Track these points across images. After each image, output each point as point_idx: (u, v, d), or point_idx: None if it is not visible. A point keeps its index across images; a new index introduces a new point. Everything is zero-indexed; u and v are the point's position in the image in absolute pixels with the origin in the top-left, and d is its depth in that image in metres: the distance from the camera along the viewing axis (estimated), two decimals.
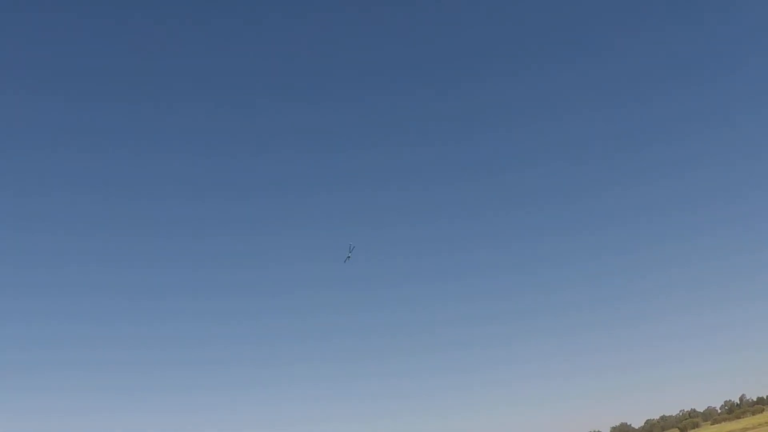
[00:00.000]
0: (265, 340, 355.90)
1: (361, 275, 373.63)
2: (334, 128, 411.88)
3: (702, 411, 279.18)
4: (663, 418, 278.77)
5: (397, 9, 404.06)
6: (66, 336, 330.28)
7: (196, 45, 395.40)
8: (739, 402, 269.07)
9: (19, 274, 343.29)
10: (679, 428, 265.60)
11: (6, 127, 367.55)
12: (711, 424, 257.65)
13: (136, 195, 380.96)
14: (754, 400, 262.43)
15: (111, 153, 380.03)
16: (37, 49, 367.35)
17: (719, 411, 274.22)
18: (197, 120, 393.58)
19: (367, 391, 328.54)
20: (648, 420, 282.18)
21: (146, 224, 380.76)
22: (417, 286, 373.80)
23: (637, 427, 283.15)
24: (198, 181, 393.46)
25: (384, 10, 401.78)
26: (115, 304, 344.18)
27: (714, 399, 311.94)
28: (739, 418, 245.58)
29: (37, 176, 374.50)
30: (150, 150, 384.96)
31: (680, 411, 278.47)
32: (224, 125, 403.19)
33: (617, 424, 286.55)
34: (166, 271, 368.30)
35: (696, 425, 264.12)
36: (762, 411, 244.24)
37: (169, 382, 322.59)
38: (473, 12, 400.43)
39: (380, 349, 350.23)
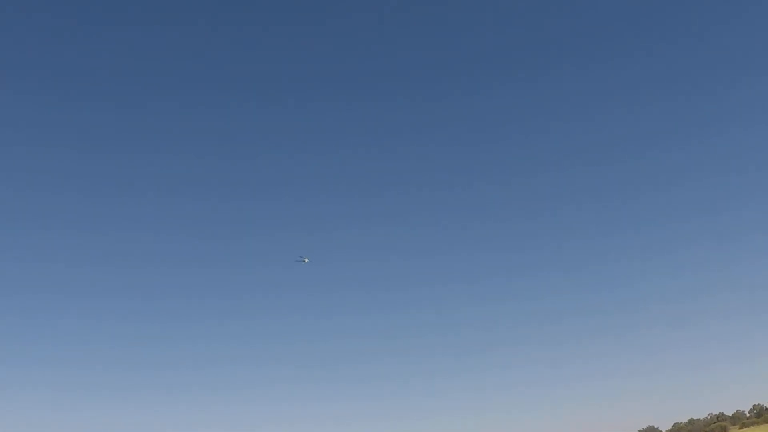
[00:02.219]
0: (266, 340, 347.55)
1: (363, 276, 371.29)
2: (343, 130, 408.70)
3: (730, 415, 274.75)
4: (691, 421, 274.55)
5: (403, 12, 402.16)
6: (67, 334, 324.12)
7: (197, 45, 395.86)
8: None
9: (20, 272, 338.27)
10: None
11: (7, 125, 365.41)
12: (739, 428, 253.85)
13: (136, 194, 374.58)
14: None
15: (112, 152, 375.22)
16: (39, 49, 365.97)
17: (748, 415, 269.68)
18: (199, 120, 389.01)
19: (383, 394, 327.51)
20: (675, 423, 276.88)
21: (145, 223, 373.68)
22: (435, 288, 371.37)
23: (664, 431, 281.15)
24: (199, 181, 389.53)
25: (391, 13, 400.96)
26: (114, 302, 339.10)
27: (743, 402, 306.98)
28: None
29: (37, 175, 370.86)
30: (151, 149, 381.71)
31: (708, 414, 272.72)
32: (228, 125, 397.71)
33: (645, 427, 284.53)
34: (166, 271, 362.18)
35: (724, 429, 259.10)
36: None
37: (169, 382, 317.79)
38: (483, 15, 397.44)
39: (397, 351, 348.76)
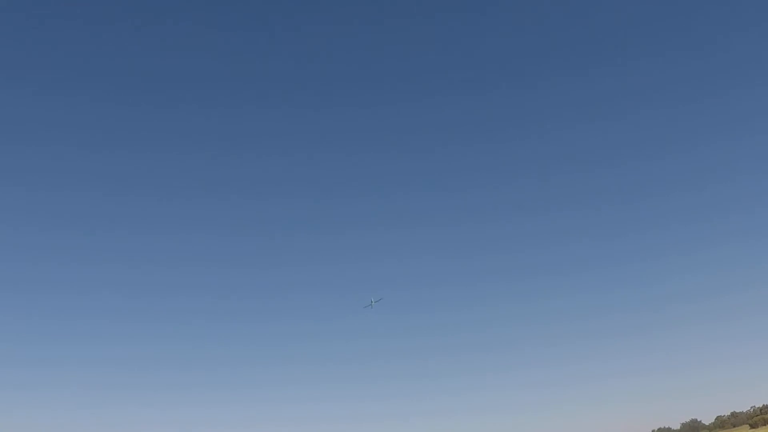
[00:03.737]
0: (269, 340, 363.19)
1: (367, 278, 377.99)
2: (345, 131, 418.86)
3: None
4: (733, 414, 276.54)
5: (409, 14, 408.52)
6: (68, 333, 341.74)
7: (201, 46, 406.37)
8: None
9: (23, 271, 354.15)
10: (749, 425, 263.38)
11: (8, 124, 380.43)
12: None
13: (139, 193, 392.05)
14: None
15: (119, 151, 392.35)
16: (43, 49, 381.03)
17: None
18: (202, 120, 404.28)
19: (386, 394, 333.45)
20: (718, 417, 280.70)
21: (147, 222, 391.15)
22: (441, 288, 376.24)
23: (707, 424, 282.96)
24: (203, 181, 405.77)
25: (397, 14, 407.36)
26: (115, 302, 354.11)
27: None
28: None
29: (40, 174, 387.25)
30: (154, 149, 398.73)
31: (751, 407, 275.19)
32: (234, 125, 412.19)
33: (687, 420, 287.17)
34: (169, 270, 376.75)
35: (767, 422, 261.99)
36: None
37: (171, 382, 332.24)
38: (490, 20, 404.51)
39: (402, 351, 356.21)
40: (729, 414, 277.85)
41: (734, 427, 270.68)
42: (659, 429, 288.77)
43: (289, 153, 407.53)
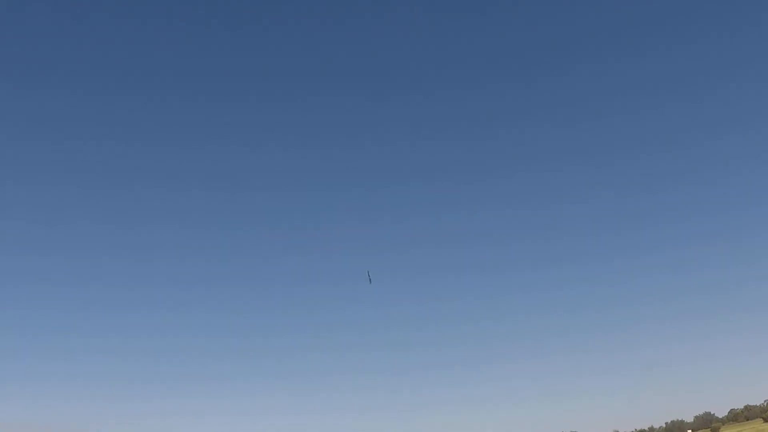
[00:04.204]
0: (267, 335, 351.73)
1: (364, 272, 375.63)
2: (345, 128, 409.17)
3: None
4: (747, 407, 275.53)
5: (410, 11, 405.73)
6: (66, 330, 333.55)
7: (202, 44, 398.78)
8: None
9: (23, 267, 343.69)
10: (763, 418, 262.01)
11: (8, 121, 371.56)
12: None
13: (139, 188, 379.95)
14: None
15: (118, 148, 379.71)
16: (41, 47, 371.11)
17: None
18: (203, 116, 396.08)
19: (387, 391, 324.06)
20: (732, 409, 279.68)
21: (146, 217, 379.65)
22: (440, 285, 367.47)
23: (720, 417, 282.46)
24: (204, 177, 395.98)
25: (396, 12, 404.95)
26: (116, 298, 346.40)
27: None
28: None
29: (40, 170, 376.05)
30: (155, 145, 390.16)
31: (765, 401, 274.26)
32: (230, 120, 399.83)
33: (701, 413, 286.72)
34: (170, 267, 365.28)
35: None
36: None
37: (169, 377, 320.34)
38: (488, 16, 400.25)
39: (407, 348, 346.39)
40: (743, 407, 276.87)
41: (747, 420, 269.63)
42: (672, 421, 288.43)
43: (283, 147, 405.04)
